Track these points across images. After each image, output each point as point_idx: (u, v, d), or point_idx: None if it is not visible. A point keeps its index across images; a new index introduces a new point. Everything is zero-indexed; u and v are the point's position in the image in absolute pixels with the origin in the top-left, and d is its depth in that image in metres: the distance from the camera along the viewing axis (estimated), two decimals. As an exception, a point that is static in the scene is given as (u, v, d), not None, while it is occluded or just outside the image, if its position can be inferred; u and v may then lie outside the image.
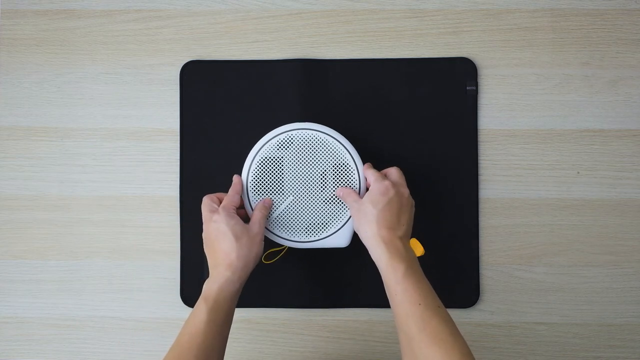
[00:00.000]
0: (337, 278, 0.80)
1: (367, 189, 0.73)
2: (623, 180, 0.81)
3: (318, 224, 0.74)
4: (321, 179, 0.74)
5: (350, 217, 0.74)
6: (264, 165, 0.74)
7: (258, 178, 0.74)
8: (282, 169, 0.74)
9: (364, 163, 0.74)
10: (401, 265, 0.64)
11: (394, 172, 0.72)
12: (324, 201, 0.74)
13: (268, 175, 0.74)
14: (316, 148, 0.74)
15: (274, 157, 0.74)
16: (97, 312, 0.81)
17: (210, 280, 0.66)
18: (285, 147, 0.74)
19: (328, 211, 0.74)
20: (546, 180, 0.81)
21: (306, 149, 0.74)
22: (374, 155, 0.78)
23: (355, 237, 0.75)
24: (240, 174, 0.75)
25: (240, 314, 0.81)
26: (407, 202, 0.70)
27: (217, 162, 0.81)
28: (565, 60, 0.82)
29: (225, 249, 0.66)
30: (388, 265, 0.64)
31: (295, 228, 0.74)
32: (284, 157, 0.74)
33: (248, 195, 0.74)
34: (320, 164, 0.74)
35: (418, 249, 0.79)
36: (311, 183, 0.74)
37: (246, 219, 0.72)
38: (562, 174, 0.81)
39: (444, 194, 0.80)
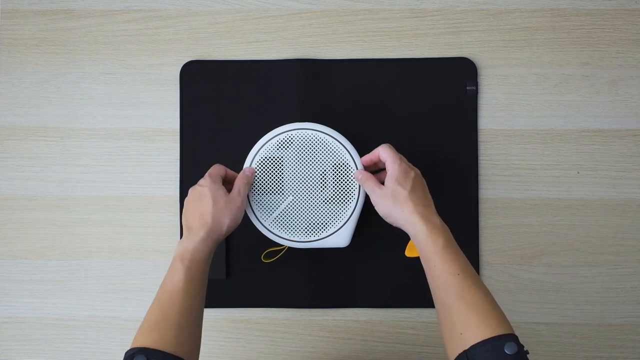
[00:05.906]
0: (337, 278, 0.80)
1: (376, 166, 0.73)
2: (623, 180, 0.81)
3: (318, 223, 0.74)
4: (321, 178, 0.74)
5: (349, 217, 0.74)
6: (263, 165, 0.74)
7: (258, 178, 0.74)
8: (282, 169, 0.74)
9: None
10: (440, 238, 0.65)
11: (392, 152, 0.71)
12: (323, 201, 0.74)
13: (268, 175, 0.74)
14: (316, 148, 0.74)
15: (273, 157, 0.74)
16: (97, 312, 0.81)
17: (184, 240, 0.67)
18: (285, 147, 0.74)
19: (328, 211, 0.74)
20: (546, 180, 0.81)
21: (306, 148, 0.74)
22: (374, 155, 0.78)
23: (355, 237, 0.75)
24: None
25: (240, 313, 0.81)
26: (422, 179, 0.71)
27: (217, 162, 0.81)
28: (565, 60, 0.82)
29: (202, 210, 0.68)
30: (428, 238, 0.65)
31: (295, 228, 0.74)
32: (284, 157, 0.74)
33: (248, 195, 0.74)
34: (320, 164, 0.74)
35: (414, 252, 0.79)
36: (311, 183, 0.74)
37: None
38: (562, 174, 0.81)
39: (444, 193, 0.80)
